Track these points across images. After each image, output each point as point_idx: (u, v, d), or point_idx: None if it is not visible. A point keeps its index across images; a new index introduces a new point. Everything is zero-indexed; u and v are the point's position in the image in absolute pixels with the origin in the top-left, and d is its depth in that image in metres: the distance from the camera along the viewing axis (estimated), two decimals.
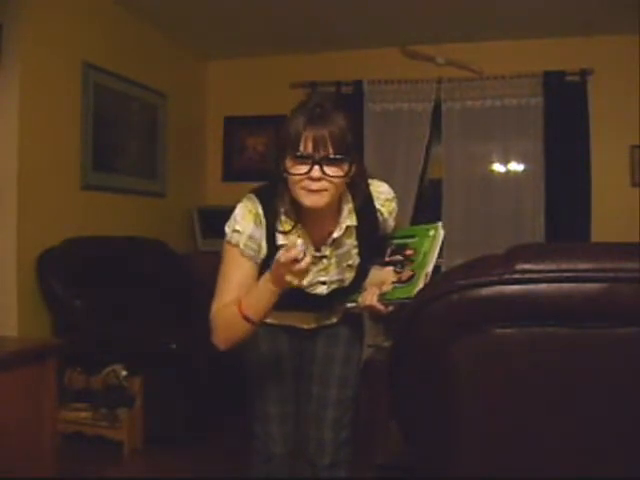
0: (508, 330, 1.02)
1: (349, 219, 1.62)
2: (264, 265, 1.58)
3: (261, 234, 1.59)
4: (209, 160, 5.51)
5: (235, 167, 5.46)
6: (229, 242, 1.59)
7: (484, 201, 4.86)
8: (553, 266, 0.98)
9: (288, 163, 1.48)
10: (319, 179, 1.44)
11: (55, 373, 2.59)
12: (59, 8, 3.68)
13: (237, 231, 1.58)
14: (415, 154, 4.91)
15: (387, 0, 4.12)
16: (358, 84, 5.01)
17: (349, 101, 4.94)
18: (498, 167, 4.92)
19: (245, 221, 1.58)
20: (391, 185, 1.84)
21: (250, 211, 1.60)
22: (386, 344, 3.36)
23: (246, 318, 1.51)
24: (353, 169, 1.49)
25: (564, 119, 4.62)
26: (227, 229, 1.61)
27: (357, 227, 1.65)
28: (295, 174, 1.46)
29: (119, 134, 4.33)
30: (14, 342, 2.96)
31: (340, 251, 1.65)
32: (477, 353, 1.04)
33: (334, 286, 1.70)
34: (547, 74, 4.67)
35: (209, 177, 5.51)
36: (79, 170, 3.91)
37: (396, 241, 1.77)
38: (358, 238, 1.66)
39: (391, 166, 4.92)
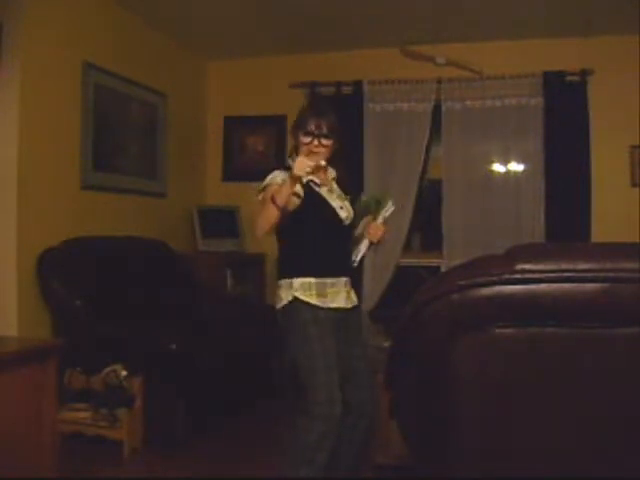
0: (508, 330, 1.02)
1: (332, 174, 2.54)
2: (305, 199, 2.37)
3: (285, 175, 2.36)
4: (209, 160, 5.51)
5: (235, 167, 5.46)
6: (263, 189, 2.40)
7: (484, 201, 4.85)
8: (553, 266, 0.98)
9: (301, 137, 2.43)
10: (318, 146, 2.41)
11: (55, 373, 2.59)
12: (59, 8, 3.68)
13: (268, 181, 2.40)
14: (415, 154, 4.91)
15: (387, 0, 4.13)
16: (358, 84, 5.01)
17: (349, 101, 4.95)
18: (498, 167, 4.92)
19: (272, 174, 2.43)
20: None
21: (274, 170, 2.47)
22: (386, 344, 3.36)
23: (273, 201, 2.23)
24: (336, 145, 2.46)
25: (564, 119, 4.62)
26: (259, 188, 2.43)
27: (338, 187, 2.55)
28: (304, 142, 2.43)
29: (119, 134, 4.33)
30: (14, 342, 2.96)
31: (336, 192, 2.53)
32: (477, 353, 1.04)
33: (348, 216, 2.47)
34: (547, 74, 4.67)
35: (209, 177, 5.51)
36: (79, 170, 3.91)
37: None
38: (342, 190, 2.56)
39: (391, 166, 4.92)
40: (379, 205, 2.48)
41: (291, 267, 2.42)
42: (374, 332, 4.76)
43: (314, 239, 2.43)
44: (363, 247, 2.51)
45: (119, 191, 4.30)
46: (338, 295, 2.43)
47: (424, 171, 5.02)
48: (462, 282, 1.01)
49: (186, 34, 4.83)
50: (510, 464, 1.05)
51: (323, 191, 2.45)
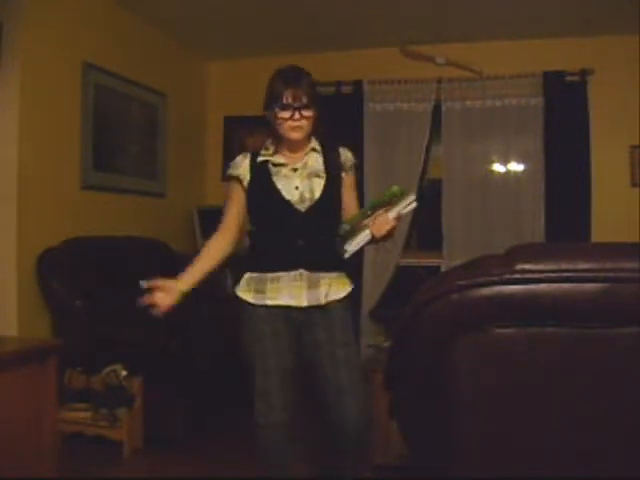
0: (508, 330, 1.02)
1: (314, 145, 2.22)
2: (248, 191, 2.21)
3: (246, 161, 2.23)
4: (209, 160, 5.51)
5: None
6: (228, 178, 2.27)
7: (484, 201, 4.85)
8: (553, 266, 0.98)
9: (277, 113, 2.11)
10: (299, 119, 2.10)
11: (55, 373, 2.59)
12: (59, 8, 3.68)
13: (229, 171, 2.25)
14: (415, 154, 4.91)
15: (387, 0, 4.13)
16: (358, 84, 5.01)
17: (349, 101, 4.95)
18: (498, 167, 4.92)
19: (235, 161, 2.26)
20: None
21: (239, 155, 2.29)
22: (386, 344, 3.36)
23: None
24: (316, 116, 2.15)
25: (564, 119, 4.61)
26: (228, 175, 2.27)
27: (324, 159, 2.21)
28: (283, 118, 2.11)
29: (119, 134, 4.33)
30: (14, 342, 2.95)
31: (309, 169, 2.20)
32: (477, 353, 1.04)
33: (307, 198, 2.14)
34: (547, 74, 4.67)
35: (209, 177, 5.51)
36: (79, 170, 3.90)
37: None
38: (325, 164, 2.21)
39: (391, 166, 4.92)
40: (401, 199, 2.12)
41: (245, 262, 2.24)
42: (374, 332, 4.76)
43: (259, 229, 2.23)
44: (362, 238, 2.13)
45: (119, 191, 4.30)
46: (281, 291, 2.13)
47: (424, 171, 5.01)
48: (462, 282, 1.01)
49: (186, 34, 4.83)
50: (510, 464, 1.05)
51: (283, 171, 2.16)
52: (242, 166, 2.23)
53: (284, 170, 2.17)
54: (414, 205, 2.12)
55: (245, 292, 2.20)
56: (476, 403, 1.05)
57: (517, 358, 1.02)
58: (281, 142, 2.20)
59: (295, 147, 2.19)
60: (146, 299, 2.15)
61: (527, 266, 0.99)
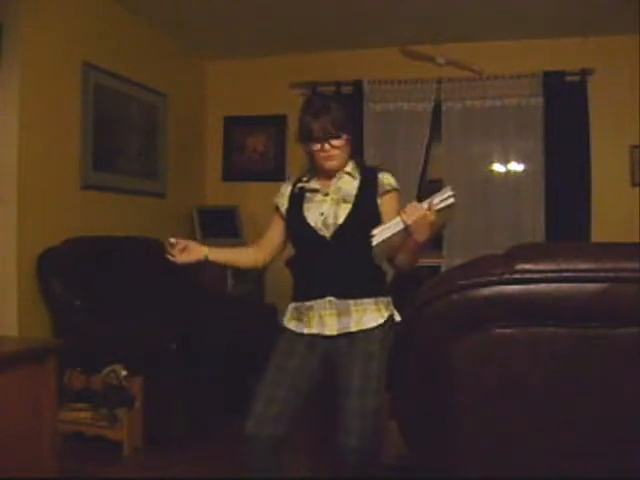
0: (508, 330, 1.02)
1: (348, 169, 2.20)
2: (286, 219, 2.23)
3: (287, 189, 2.26)
4: (209, 160, 5.51)
5: (235, 167, 5.46)
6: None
7: (484, 201, 4.86)
8: (553, 266, 0.98)
9: (309, 145, 2.13)
10: (329, 149, 2.11)
11: (55, 373, 2.59)
12: (59, 8, 3.68)
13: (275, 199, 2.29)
14: (415, 154, 4.91)
15: (387, 0, 4.13)
16: (358, 84, 5.01)
17: (349, 101, 4.94)
18: (498, 167, 4.92)
19: (281, 188, 2.31)
20: None
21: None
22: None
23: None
24: (349, 139, 2.16)
25: (564, 119, 4.62)
26: None
27: (360, 183, 2.18)
28: (314, 150, 2.13)
29: (119, 134, 4.33)
30: (14, 342, 2.96)
31: (340, 194, 2.17)
32: (477, 353, 1.04)
33: (330, 224, 2.11)
34: (547, 74, 4.67)
35: (209, 177, 5.51)
36: (79, 170, 3.91)
37: None
38: (358, 189, 2.17)
39: (391, 166, 4.86)
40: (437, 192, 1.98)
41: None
42: None
43: (297, 259, 2.21)
44: (391, 225, 1.96)
45: (119, 191, 4.30)
46: (313, 320, 2.11)
47: (424, 171, 5.02)
48: (462, 282, 1.01)
49: (186, 34, 4.83)
50: (510, 464, 1.05)
51: (316, 197, 2.17)
52: (283, 194, 2.26)
53: (318, 196, 2.18)
54: (451, 201, 1.93)
55: (288, 321, 2.20)
56: (476, 403, 1.05)
57: (517, 358, 1.02)
58: (320, 170, 2.21)
59: (330, 174, 2.19)
60: (171, 248, 2.17)
61: (527, 266, 0.98)
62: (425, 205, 1.93)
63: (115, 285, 3.75)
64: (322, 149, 2.10)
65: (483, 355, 1.04)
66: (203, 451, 3.27)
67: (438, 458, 1.15)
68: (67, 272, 3.52)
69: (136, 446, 3.21)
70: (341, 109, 2.13)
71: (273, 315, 4.14)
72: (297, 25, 4.62)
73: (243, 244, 5.14)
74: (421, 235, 1.95)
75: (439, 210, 1.94)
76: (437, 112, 4.92)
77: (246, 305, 4.63)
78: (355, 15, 4.39)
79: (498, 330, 1.02)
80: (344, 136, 2.12)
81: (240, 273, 4.88)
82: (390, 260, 2.16)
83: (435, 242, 4.93)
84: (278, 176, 5.00)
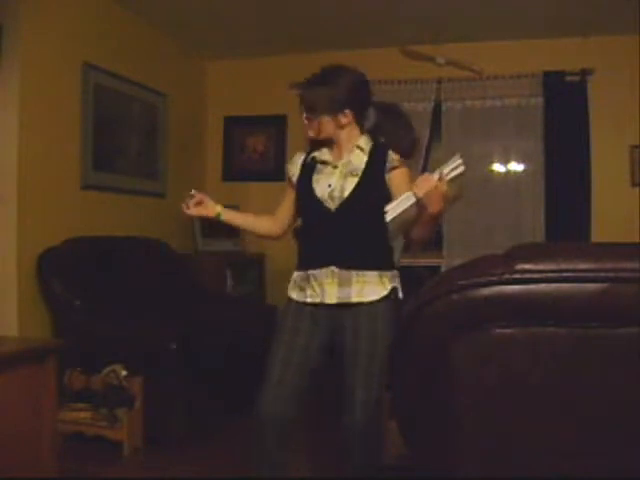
0: (508, 330, 1.02)
1: (360, 143, 2.19)
2: (296, 188, 2.26)
3: (299, 159, 2.29)
4: (209, 160, 5.51)
5: (235, 167, 5.46)
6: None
7: (484, 201, 4.86)
8: (553, 266, 0.98)
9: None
10: (306, 121, 2.18)
11: (55, 373, 2.59)
12: (59, 8, 3.68)
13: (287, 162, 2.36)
14: (415, 154, 4.90)
15: (387, 0, 4.13)
16: None
17: None
18: (498, 167, 4.92)
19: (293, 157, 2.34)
20: None
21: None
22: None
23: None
24: (336, 116, 2.15)
25: (564, 119, 4.62)
26: None
27: (369, 159, 2.17)
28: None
29: (119, 134, 4.33)
30: (14, 342, 2.96)
31: (349, 168, 2.17)
32: (477, 353, 1.04)
33: (336, 196, 2.11)
34: (547, 74, 4.67)
35: (209, 177, 5.51)
36: (79, 170, 3.91)
37: None
38: (367, 164, 2.17)
39: None
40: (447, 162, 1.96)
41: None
42: None
43: (303, 228, 2.25)
44: (403, 200, 1.94)
45: (119, 191, 4.30)
46: (315, 288, 2.13)
47: (424, 171, 5.01)
48: (462, 282, 1.01)
49: (186, 34, 4.83)
50: (510, 464, 1.05)
51: (326, 169, 2.19)
52: (295, 163, 2.28)
53: (327, 168, 2.19)
54: (461, 169, 1.91)
55: (291, 290, 2.22)
56: (476, 403, 1.05)
57: (517, 358, 1.02)
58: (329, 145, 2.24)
59: (337, 144, 2.20)
60: (189, 199, 2.26)
61: (527, 266, 0.98)
62: (436, 176, 1.90)
63: (115, 285, 3.75)
64: (305, 117, 2.19)
65: (483, 355, 1.03)
66: (203, 451, 3.27)
67: (438, 458, 1.15)
68: (67, 272, 3.52)
69: (136, 446, 3.21)
70: (329, 90, 2.13)
71: (273, 315, 4.13)
72: (297, 25, 4.62)
73: (243, 244, 5.15)
74: (434, 207, 1.91)
75: (450, 180, 1.91)
76: (437, 112, 4.92)
77: (246, 305, 4.63)
78: (355, 15, 4.39)
79: (498, 330, 1.02)
80: (315, 116, 2.15)
81: (240, 274, 4.88)
82: (406, 234, 2.16)
83: (435, 242, 4.93)
84: (278, 176, 4.99)
